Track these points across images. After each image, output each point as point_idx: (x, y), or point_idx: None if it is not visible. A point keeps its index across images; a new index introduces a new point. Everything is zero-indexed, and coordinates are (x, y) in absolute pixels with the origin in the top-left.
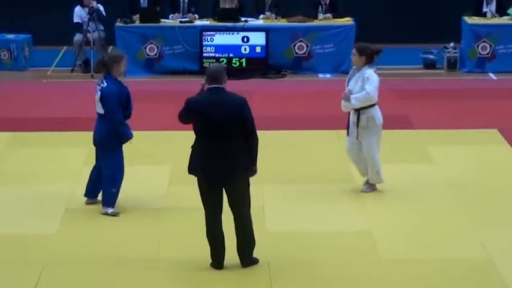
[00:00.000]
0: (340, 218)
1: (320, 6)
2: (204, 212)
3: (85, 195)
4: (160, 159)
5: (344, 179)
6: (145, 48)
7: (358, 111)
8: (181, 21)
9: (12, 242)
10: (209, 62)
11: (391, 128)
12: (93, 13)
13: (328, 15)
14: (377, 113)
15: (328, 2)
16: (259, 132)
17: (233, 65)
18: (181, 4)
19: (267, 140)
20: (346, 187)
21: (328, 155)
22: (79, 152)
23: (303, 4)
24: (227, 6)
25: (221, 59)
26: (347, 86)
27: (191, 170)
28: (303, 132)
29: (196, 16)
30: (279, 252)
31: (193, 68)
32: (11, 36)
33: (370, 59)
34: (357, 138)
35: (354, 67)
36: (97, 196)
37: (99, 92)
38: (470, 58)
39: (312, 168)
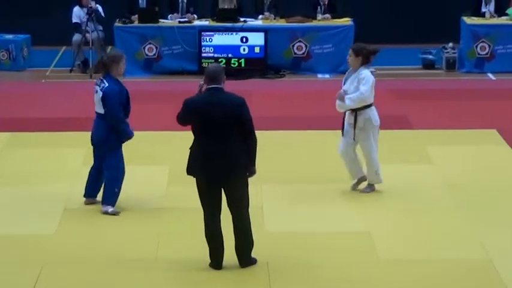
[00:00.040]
0: (339, 218)
1: (319, 7)
2: (202, 212)
3: (84, 196)
4: (159, 159)
5: (343, 179)
6: (144, 48)
7: (355, 112)
8: (180, 22)
9: (11, 242)
10: (208, 62)
11: (390, 128)
12: (91, 13)
13: (327, 15)
14: (374, 114)
15: (327, 3)
16: (258, 133)
17: (232, 65)
18: (180, 4)
19: (266, 140)
20: (345, 187)
21: (327, 155)
22: (78, 152)
23: (302, 4)
24: (226, 7)
25: (220, 59)
26: (343, 86)
27: (190, 171)
28: (302, 132)
29: (195, 16)
30: (278, 252)
31: (192, 68)
32: (9, 36)
33: (366, 60)
34: (354, 139)
35: (351, 68)
36: (96, 196)
37: (100, 92)
38: (469, 58)
39: (311, 168)
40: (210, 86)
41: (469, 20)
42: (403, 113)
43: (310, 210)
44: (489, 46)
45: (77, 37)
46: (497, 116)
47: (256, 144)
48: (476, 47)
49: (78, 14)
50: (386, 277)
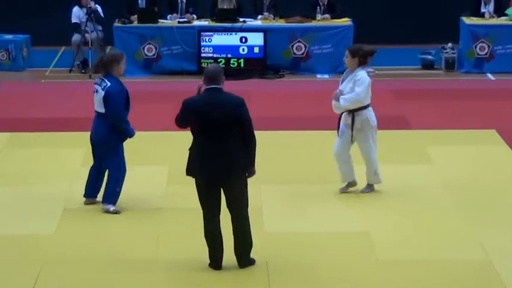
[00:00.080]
0: (338, 219)
1: (318, 7)
2: (202, 212)
3: (84, 196)
4: (159, 159)
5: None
6: (143, 48)
7: (353, 113)
8: (179, 22)
9: (11, 242)
10: (207, 63)
11: (389, 128)
12: (91, 13)
13: (326, 15)
14: (371, 114)
15: (326, 3)
16: (257, 133)
17: (231, 65)
18: (180, 4)
19: (265, 141)
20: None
21: (327, 155)
22: (77, 152)
23: (301, 5)
24: (225, 7)
25: (219, 60)
26: (340, 86)
27: (189, 172)
28: (301, 132)
29: (195, 16)
30: (277, 252)
31: (191, 69)
32: (9, 36)
33: (363, 61)
34: (352, 141)
35: (348, 68)
36: (96, 196)
37: (101, 91)
38: (469, 58)
39: (310, 168)
40: (209, 86)
41: (468, 20)
42: (402, 113)
43: (309, 210)
44: (488, 46)
45: (76, 37)
46: (497, 116)
47: (255, 145)
48: (476, 47)
49: (77, 14)
50: (385, 278)
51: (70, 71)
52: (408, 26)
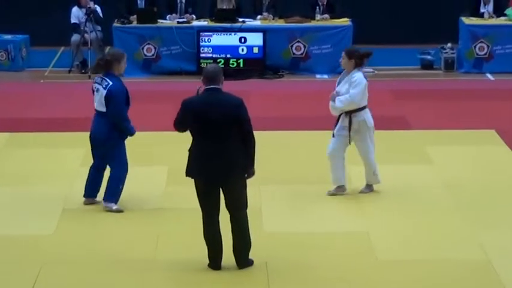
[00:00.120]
0: (337, 219)
1: (317, 7)
2: (201, 212)
3: (84, 195)
4: (158, 159)
5: None
6: (142, 48)
7: (350, 115)
8: (178, 22)
9: (10, 242)
10: (206, 63)
11: (389, 128)
12: (90, 14)
13: (326, 15)
14: (368, 116)
15: (325, 3)
16: (256, 133)
17: (230, 65)
18: (179, 5)
19: (264, 141)
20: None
21: (326, 155)
22: (76, 153)
23: (301, 5)
24: (224, 7)
25: (218, 60)
26: (336, 87)
27: (188, 173)
28: (300, 132)
29: (194, 17)
30: (277, 253)
31: (191, 69)
32: (8, 36)
33: (359, 62)
34: (350, 142)
35: (345, 70)
36: (96, 196)
37: (103, 90)
38: (468, 59)
39: (310, 168)
40: (209, 87)
41: (468, 21)
42: (402, 113)
43: (308, 210)
44: (488, 46)
45: (75, 37)
46: (496, 116)
47: (254, 145)
48: (475, 47)
49: (76, 14)
50: (384, 278)
51: (69, 71)
52: (407, 26)
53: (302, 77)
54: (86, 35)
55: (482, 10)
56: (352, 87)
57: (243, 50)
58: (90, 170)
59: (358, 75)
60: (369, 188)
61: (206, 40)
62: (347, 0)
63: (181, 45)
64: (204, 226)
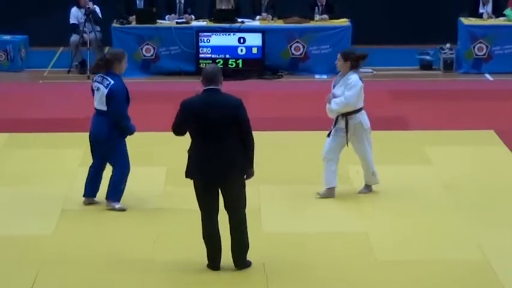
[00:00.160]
0: (336, 219)
1: (316, 7)
2: (200, 213)
3: (84, 195)
4: (157, 159)
5: (340, 180)
6: (141, 49)
7: (346, 117)
8: (177, 22)
9: (9, 242)
10: (205, 63)
11: (388, 129)
12: (89, 14)
13: (325, 16)
14: (364, 118)
15: (324, 3)
16: (255, 133)
17: (229, 66)
18: (178, 5)
19: (263, 141)
20: (343, 188)
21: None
22: (76, 153)
23: (299, 5)
24: (223, 7)
25: (217, 60)
26: (332, 89)
27: (188, 174)
28: (300, 133)
29: (193, 17)
30: (276, 253)
31: (190, 69)
32: (7, 37)
33: (355, 64)
34: (347, 144)
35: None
36: (95, 196)
37: (104, 89)
38: (467, 59)
39: (308, 169)
40: (207, 87)
41: (467, 21)
42: (401, 113)
43: (307, 211)
44: (487, 47)
45: (74, 38)
46: (495, 116)
47: (253, 146)
48: (474, 47)
49: (75, 14)
50: (383, 278)
51: (68, 71)
52: (406, 27)
53: (301, 77)
54: (85, 36)
55: (481, 10)
56: (348, 89)
57: (242, 50)
58: (89, 169)
59: (353, 77)
60: (367, 188)
61: (205, 40)
62: (346, 0)
63: (180, 46)
64: (203, 226)
